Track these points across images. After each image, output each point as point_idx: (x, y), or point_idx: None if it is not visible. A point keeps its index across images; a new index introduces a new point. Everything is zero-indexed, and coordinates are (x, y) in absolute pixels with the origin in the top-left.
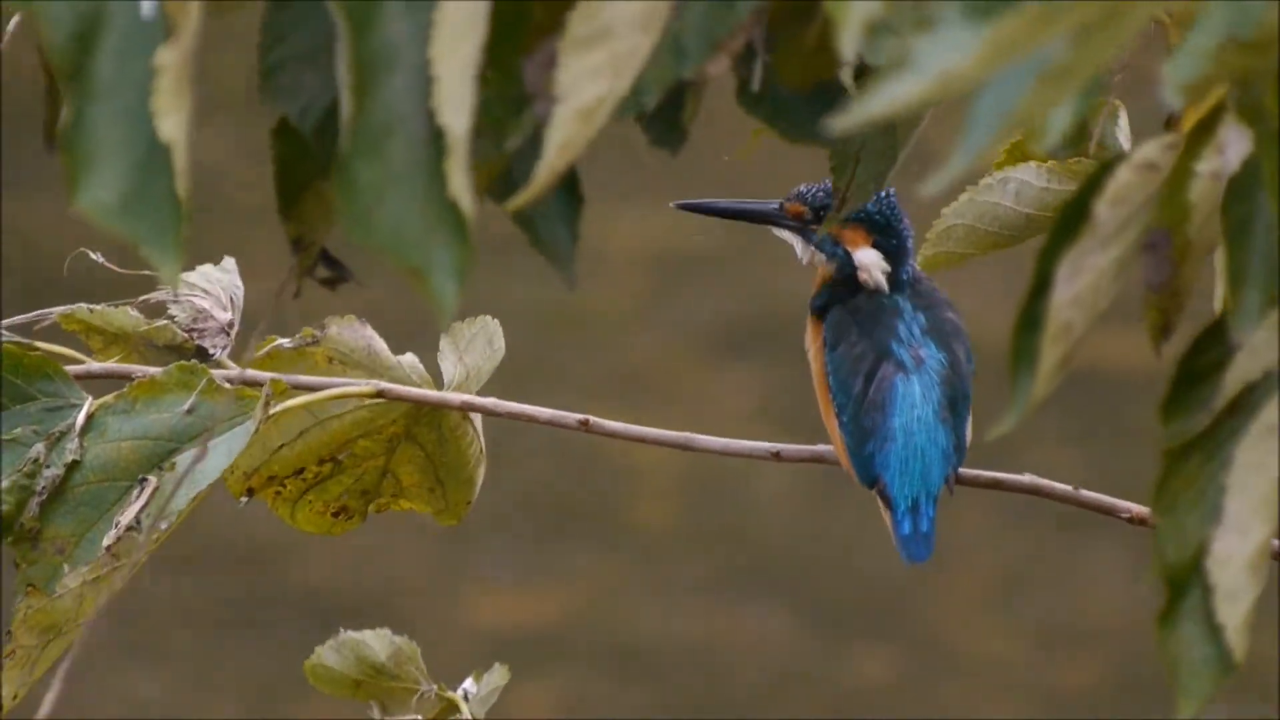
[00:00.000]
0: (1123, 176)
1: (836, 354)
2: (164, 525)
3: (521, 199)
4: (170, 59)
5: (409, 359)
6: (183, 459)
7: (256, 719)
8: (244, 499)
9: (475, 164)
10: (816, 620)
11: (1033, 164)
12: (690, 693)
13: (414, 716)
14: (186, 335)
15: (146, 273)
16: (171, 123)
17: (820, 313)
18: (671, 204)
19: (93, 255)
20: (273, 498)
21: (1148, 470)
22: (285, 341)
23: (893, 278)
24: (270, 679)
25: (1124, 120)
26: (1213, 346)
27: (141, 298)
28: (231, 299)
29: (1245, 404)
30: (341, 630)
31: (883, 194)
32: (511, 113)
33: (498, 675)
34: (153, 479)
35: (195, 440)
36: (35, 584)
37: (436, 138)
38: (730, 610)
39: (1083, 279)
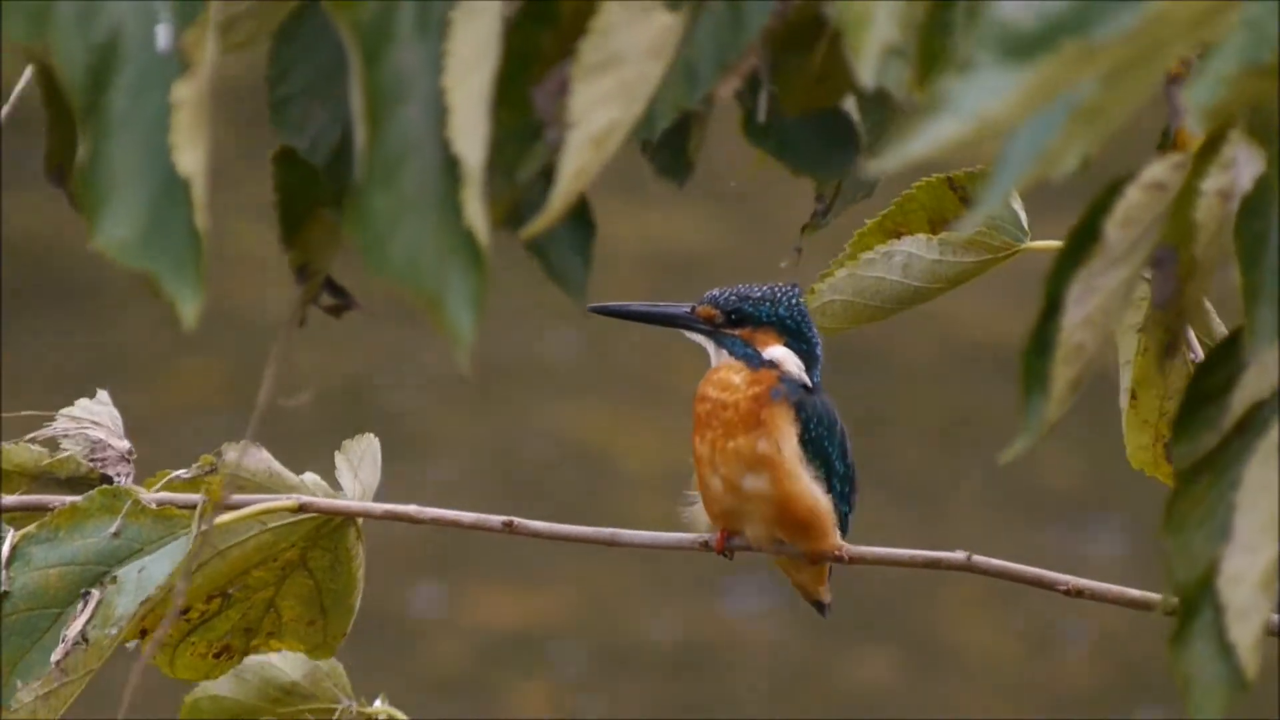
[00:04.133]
0: (1132, 197)
1: (838, 431)
2: (112, 632)
3: (536, 227)
4: (188, 93)
5: (310, 477)
6: (126, 570)
7: None
8: (133, 643)
9: (489, 198)
10: (816, 620)
11: (922, 236)
12: (690, 693)
13: None
14: (90, 465)
15: (30, 413)
16: (190, 156)
17: (792, 401)
18: (585, 308)
19: None
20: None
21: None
22: (182, 472)
23: (809, 377)
24: None
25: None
26: (1221, 368)
27: (30, 435)
28: (116, 425)
29: (1254, 423)
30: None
31: (793, 301)
32: (523, 147)
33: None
34: (96, 592)
35: (125, 562)
36: None
37: (450, 167)
38: (730, 610)
39: (1093, 300)
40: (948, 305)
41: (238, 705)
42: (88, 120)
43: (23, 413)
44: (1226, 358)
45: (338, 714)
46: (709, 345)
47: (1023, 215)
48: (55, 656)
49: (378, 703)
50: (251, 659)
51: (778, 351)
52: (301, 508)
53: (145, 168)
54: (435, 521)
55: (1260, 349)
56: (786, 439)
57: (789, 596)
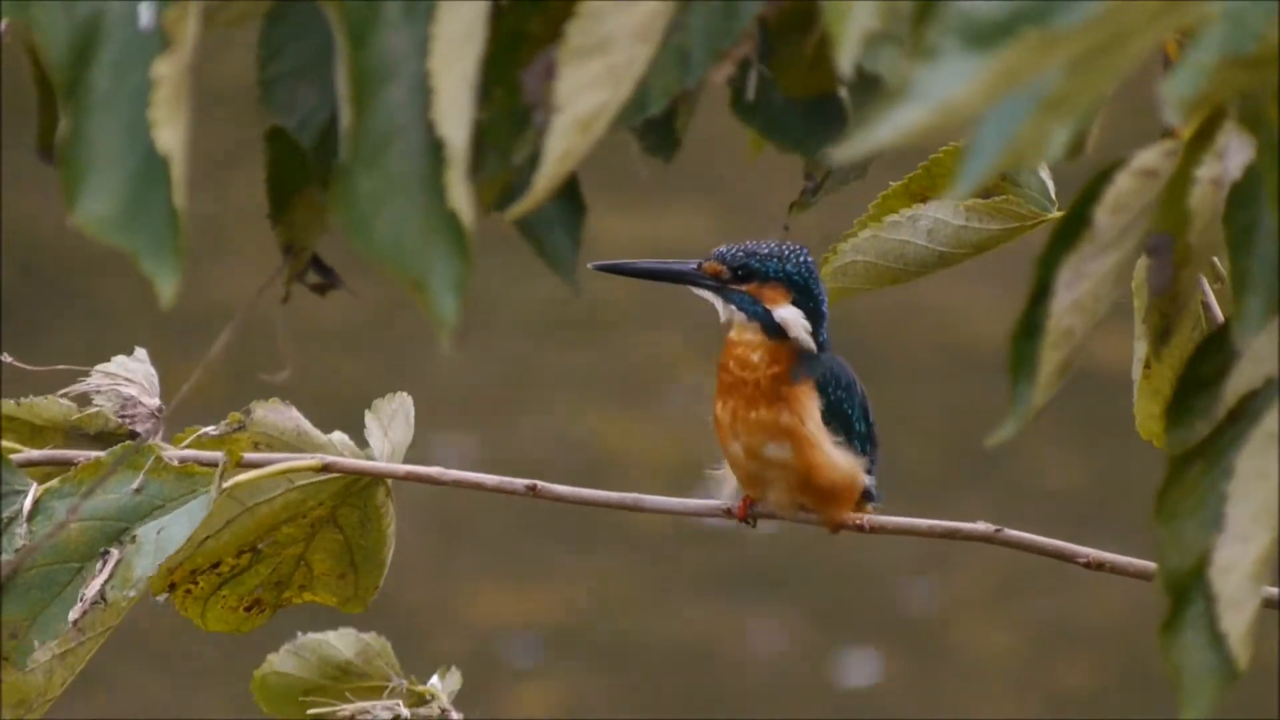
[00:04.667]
0: (1122, 183)
1: (857, 392)
2: (130, 594)
3: (520, 209)
4: (168, 70)
5: (338, 436)
6: (146, 530)
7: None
8: (163, 596)
9: (482, 178)
10: (816, 620)
11: (949, 201)
12: (690, 693)
13: (393, 702)
14: (119, 421)
15: (63, 367)
16: (169, 134)
17: (813, 377)
18: (589, 265)
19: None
20: (182, 598)
21: (1147, 470)
22: (210, 429)
23: (815, 337)
24: None
25: None
26: (1215, 354)
27: (62, 390)
28: (151, 384)
29: (1246, 411)
30: (299, 634)
31: (801, 257)
32: (517, 127)
33: (454, 679)
34: (115, 551)
35: (146, 519)
36: None
37: (436, 149)
38: (730, 610)
39: (1083, 285)
40: (949, 304)
41: (301, 682)
42: (69, 97)
43: (58, 366)
44: (1220, 345)
45: (388, 691)
46: (716, 301)
47: (1050, 185)
48: (73, 615)
49: (434, 680)
50: (310, 636)
51: (786, 312)
52: (325, 468)
53: (126, 145)
54: (458, 483)
55: (1249, 337)
56: (809, 414)
57: (789, 596)
